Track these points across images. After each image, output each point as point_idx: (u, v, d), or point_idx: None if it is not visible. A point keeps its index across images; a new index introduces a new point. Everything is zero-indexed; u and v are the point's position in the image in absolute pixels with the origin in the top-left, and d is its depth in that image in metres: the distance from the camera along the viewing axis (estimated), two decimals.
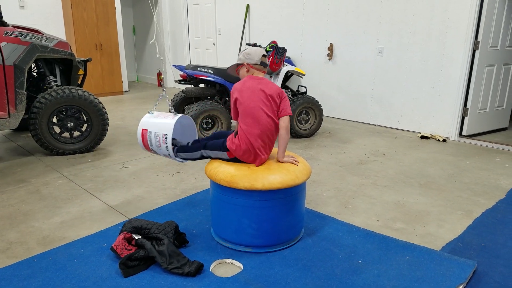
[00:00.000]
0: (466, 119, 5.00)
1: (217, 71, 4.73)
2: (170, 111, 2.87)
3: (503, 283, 2.21)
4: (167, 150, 2.68)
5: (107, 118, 4.41)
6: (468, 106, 4.94)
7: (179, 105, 5.27)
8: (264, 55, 2.61)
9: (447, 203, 3.22)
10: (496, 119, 5.32)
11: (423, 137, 5.13)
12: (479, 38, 4.69)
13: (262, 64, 2.62)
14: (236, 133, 2.51)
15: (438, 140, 5.02)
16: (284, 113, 2.49)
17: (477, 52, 4.74)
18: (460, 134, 5.08)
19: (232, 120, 2.71)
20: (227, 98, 4.97)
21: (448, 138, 5.08)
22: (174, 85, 9.13)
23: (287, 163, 2.50)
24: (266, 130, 2.46)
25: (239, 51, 7.23)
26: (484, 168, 4.02)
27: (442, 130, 5.13)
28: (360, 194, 3.39)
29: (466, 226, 2.84)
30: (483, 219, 2.95)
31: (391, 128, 5.61)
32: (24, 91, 3.98)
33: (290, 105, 4.94)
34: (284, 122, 2.49)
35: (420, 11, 5.02)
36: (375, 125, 5.78)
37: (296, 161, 2.51)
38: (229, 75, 4.75)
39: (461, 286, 2.15)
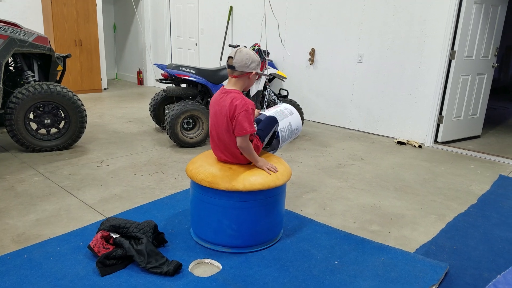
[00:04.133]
0: (441, 126, 5.14)
1: (199, 71, 4.73)
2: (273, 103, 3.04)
3: (474, 285, 2.29)
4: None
5: (86, 116, 4.35)
6: (444, 113, 5.08)
7: (159, 104, 5.25)
8: (231, 57, 2.46)
9: (422, 207, 3.31)
10: (469, 127, 5.49)
11: (399, 142, 5.24)
12: (455, 48, 4.84)
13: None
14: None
15: (414, 146, 5.14)
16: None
17: (453, 62, 4.89)
18: (435, 141, 5.22)
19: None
20: (208, 99, 4.97)
21: (424, 144, 5.21)
22: (154, 84, 9.05)
23: (261, 168, 2.48)
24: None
25: (222, 52, 7.24)
26: (457, 174, 4.15)
27: (418, 136, 5.27)
28: (338, 197, 3.44)
29: (439, 230, 2.93)
30: (456, 223, 3.05)
31: (369, 133, 5.72)
32: (1, 86, 3.89)
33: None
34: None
35: (399, 20, 5.15)
36: (354, 130, 5.88)
37: (270, 170, 2.47)
38: (211, 76, 4.76)
39: (434, 287, 2.22)
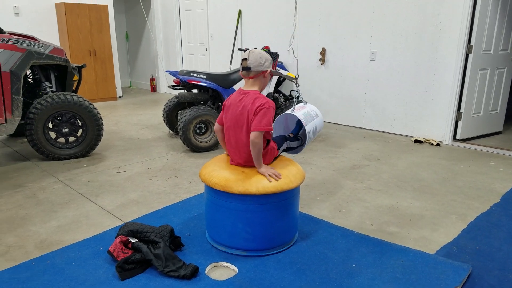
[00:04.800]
0: (460, 123, 5.04)
1: (210, 76, 4.75)
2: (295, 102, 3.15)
3: (498, 286, 2.22)
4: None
5: (102, 124, 4.41)
6: (462, 110, 4.99)
7: (172, 110, 5.30)
8: (245, 59, 2.48)
9: (441, 207, 3.25)
10: (490, 123, 5.37)
11: (416, 141, 5.16)
12: (472, 42, 4.75)
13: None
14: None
15: (432, 144, 5.06)
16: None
17: (470, 56, 4.79)
18: (454, 138, 5.12)
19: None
20: (219, 103, 4.99)
21: (442, 142, 5.12)
22: (167, 90, 9.14)
23: (263, 175, 2.42)
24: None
25: (232, 56, 7.26)
26: (478, 172, 4.06)
27: (435, 134, 5.18)
28: (354, 198, 3.41)
29: (460, 230, 2.86)
30: (478, 222, 2.98)
31: (385, 132, 5.65)
32: (20, 97, 3.99)
33: (283, 110, 4.97)
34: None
35: (412, 16, 5.08)
36: (368, 129, 5.81)
37: (272, 177, 2.40)
38: (222, 80, 4.78)
39: None
